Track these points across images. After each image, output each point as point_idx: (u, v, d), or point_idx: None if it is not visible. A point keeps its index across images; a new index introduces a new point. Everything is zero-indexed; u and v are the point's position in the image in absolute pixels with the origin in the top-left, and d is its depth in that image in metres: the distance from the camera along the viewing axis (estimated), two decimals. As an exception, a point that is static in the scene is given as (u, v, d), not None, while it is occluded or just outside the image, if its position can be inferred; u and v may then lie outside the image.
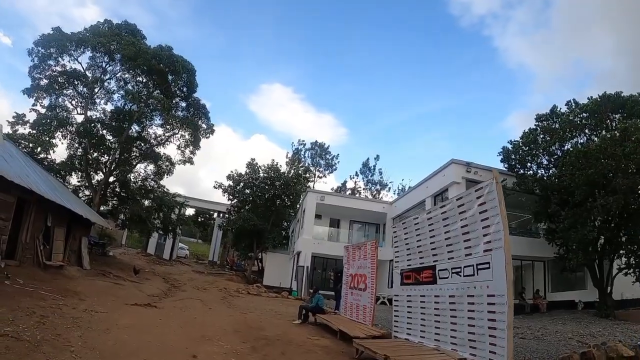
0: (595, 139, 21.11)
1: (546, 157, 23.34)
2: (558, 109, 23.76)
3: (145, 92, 29.43)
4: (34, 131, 26.93)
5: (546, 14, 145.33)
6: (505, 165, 24.42)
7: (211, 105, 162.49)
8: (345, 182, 61.72)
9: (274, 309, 18.43)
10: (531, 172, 23.57)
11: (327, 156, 61.38)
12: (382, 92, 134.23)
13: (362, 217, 35.42)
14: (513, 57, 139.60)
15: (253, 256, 40.10)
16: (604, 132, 21.26)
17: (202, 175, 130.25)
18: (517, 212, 25.42)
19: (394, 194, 57.36)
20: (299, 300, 24.66)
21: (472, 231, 8.06)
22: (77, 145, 28.91)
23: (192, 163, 33.12)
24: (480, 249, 7.75)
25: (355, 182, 60.62)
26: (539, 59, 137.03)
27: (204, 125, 32.71)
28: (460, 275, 8.32)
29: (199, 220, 68.00)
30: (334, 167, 61.67)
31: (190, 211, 51.85)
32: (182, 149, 32.49)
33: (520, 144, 23.85)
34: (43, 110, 27.87)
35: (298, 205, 39.26)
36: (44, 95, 27.86)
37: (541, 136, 23.29)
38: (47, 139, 27.20)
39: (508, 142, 24.42)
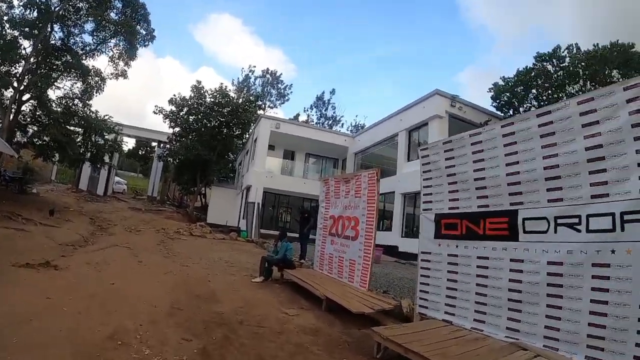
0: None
1: (535, 104, 20.91)
2: (561, 51, 20.63)
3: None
4: None
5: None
6: (494, 104, 22.05)
7: (157, 34, 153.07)
8: (297, 115, 57.82)
9: (224, 257, 14.72)
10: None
11: (280, 85, 57.06)
12: (335, 32, 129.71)
13: (319, 150, 32.08)
14: (475, 16, 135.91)
15: (196, 191, 36.35)
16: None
17: (148, 110, 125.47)
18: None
19: (347, 130, 54.50)
20: (250, 243, 21.38)
21: (611, 156, 4.59)
22: None
23: (125, 77, 27.41)
24: (629, 185, 4.36)
25: (309, 116, 57.31)
26: (499, 20, 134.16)
27: (142, 31, 26.73)
28: (577, 230, 4.83)
29: (140, 153, 64.69)
30: (287, 98, 57.58)
31: (130, 143, 46.76)
32: (116, 60, 26.82)
33: (514, 82, 21.32)
34: None
35: (247, 135, 35.73)
36: None
37: (537, 80, 20.71)
38: None
39: (500, 79, 21.99)
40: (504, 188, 5.87)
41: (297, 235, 17.02)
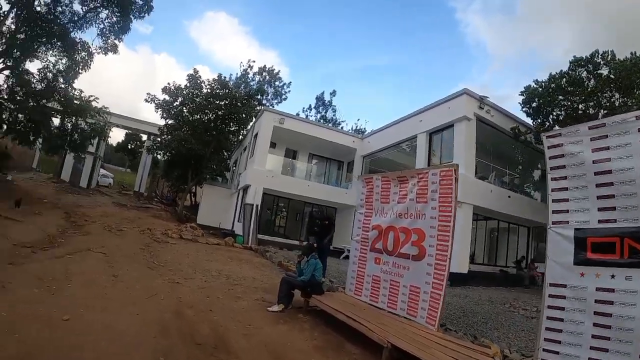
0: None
1: (563, 112, 18.28)
2: (599, 54, 17.69)
3: None
4: None
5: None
6: (524, 109, 19.28)
7: (153, 29, 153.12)
8: (297, 115, 54.18)
9: (223, 269, 11.90)
10: (548, 124, 18.48)
11: (277, 83, 53.92)
12: (332, 38, 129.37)
13: (324, 150, 29.18)
14: (473, 33, 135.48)
15: (187, 188, 33.39)
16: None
17: (142, 107, 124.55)
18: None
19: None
20: (248, 251, 18.67)
21: None
22: None
23: (115, 52, 23.90)
24: None
25: (307, 117, 53.78)
26: (496, 41, 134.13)
27: (139, 1, 22.91)
28: None
29: (129, 147, 62.81)
30: (284, 97, 54.46)
31: (119, 136, 43.93)
32: (106, 33, 23.18)
33: (546, 86, 18.56)
34: None
35: (245, 132, 33.05)
36: None
37: (567, 87, 17.98)
38: None
39: (534, 82, 19.14)
40: None
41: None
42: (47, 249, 10.68)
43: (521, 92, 19.07)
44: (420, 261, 7.12)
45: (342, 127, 52.60)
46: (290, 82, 57.36)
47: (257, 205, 22.49)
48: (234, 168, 35.46)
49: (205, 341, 5.49)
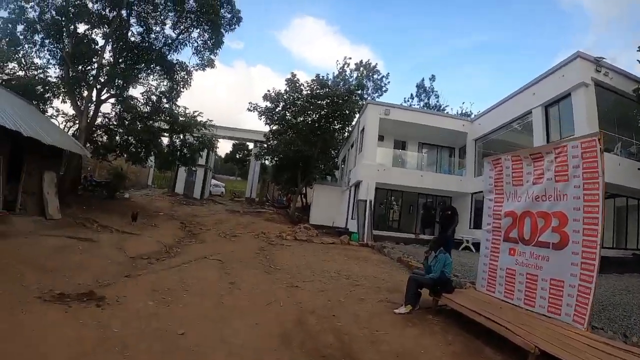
0: None
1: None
2: None
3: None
4: None
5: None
6: None
7: (244, 44, 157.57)
8: (400, 105, 53.17)
9: (341, 269, 11.42)
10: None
11: (375, 76, 53.07)
12: (421, 23, 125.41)
13: (434, 138, 27.78)
14: None
15: (297, 190, 33.72)
16: None
17: (244, 119, 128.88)
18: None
19: (456, 119, 49.36)
20: (365, 248, 18.06)
21: None
22: (49, 49, 21.71)
23: (212, 67, 25.08)
24: None
25: (410, 106, 51.02)
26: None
27: (227, 15, 23.75)
28: None
29: (237, 156, 66.00)
30: (384, 89, 53.41)
31: (227, 147, 45.87)
32: (201, 50, 24.42)
33: None
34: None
35: (349, 128, 32.57)
36: None
37: None
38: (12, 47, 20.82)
39: None
40: None
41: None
42: (163, 259, 10.97)
43: (640, 47, 17.04)
44: (563, 250, 6.17)
45: (447, 113, 51.09)
46: (389, 74, 56.14)
47: (370, 201, 22.04)
48: (343, 165, 35.24)
49: (330, 352, 5.06)
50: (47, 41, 21.08)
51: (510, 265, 7.36)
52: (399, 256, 14.55)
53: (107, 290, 6.83)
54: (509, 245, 7.52)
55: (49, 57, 21.96)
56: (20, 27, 20.63)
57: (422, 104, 52.82)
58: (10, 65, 21.43)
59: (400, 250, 16.58)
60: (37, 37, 21.06)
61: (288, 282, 9.10)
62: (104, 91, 22.26)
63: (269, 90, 32.24)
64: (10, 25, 20.36)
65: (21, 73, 21.81)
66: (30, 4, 20.30)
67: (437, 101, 53.34)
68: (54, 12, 20.26)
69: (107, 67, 21.51)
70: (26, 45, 21.28)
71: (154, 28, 23.57)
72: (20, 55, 21.38)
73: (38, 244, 10.10)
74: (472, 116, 33.76)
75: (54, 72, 22.85)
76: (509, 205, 7.72)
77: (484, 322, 5.95)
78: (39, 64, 22.41)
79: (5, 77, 20.82)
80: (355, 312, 7.01)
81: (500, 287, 7.57)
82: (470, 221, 23.10)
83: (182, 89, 24.72)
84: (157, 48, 23.25)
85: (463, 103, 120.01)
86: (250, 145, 50.69)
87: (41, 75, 22.32)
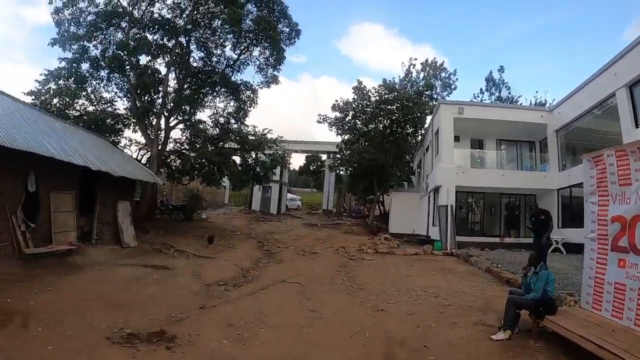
0: None
1: None
2: None
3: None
4: (64, 82, 21.46)
5: None
6: None
7: (306, 57, 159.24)
8: (470, 101, 51.54)
9: (428, 286, 10.77)
10: None
11: (443, 75, 51.68)
12: (478, 14, 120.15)
13: (511, 133, 26.16)
14: None
15: (374, 199, 32.95)
16: None
17: (314, 132, 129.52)
18: None
19: (529, 112, 47.02)
20: (449, 257, 17.33)
21: None
22: (115, 82, 22.81)
23: (277, 83, 25.32)
24: None
25: (482, 101, 49.97)
26: None
27: (285, 29, 24.07)
28: None
29: (311, 169, 66.24)
30: (453, 87, 51.90)
31: (300, 160, 46.17)
32: (263, 67, 24.70)
33: None
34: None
35: (423, 131, 31.52)
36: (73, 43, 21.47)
37: None
38: (79, 85, 21.60)
39: None
40: None
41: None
42: (240, 284, 10.85)
43: None
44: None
45: (521, 104, 48.80)
46: (456, 70, 54.41)
47: (451, 206, 21.29)
48: (419, 170, 34.43)
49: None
50: (112, 75, 22.03)
51: (620, 279, 6.38)
52: (487, 266, 13.64)
53: (180, 327, 6.66)
54: (618, 255, 6.50)
55: (116, 90, 23.06)
56: (85, 65, 21.61)
57: (493, 98, 50.58)
58: (80, 102, 22.19)
59: (487, 258, 15.58)
60: (102, 73, 22.09)
61: (373, 305, 8.67)
62: (172, 118, 22.98)
63: (336, 100, 32.06)
64: (75, 65, 21.25)
65: (91, 108, 22.69)
66: (93, 42, 21.42)
67: (509, 93, 50.79)
68: (115, 48, 21.10)
69: (173, 94, 22.22)
70: (93, 82, 22.35)
71: (214, 51, 24.22)
72: (88, 91, 22.35)
73: (112, 276, 10.35)
74: (549, 105, 31.92)
75: (122, 104, 23.94)
76: (615, 209, 6.65)
77: (595, 350, 5.20)
78: (107, 97, 23.49)
79: (76, 114, 21.66)
80: (449, 341, 6.48)
81: (607, 305, 6.59)
82: (559, 220, 21.25)
83: (249, 108, 25.35)
84: (219, 70, 23.77)
85: (537, 92, 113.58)
86: (324, 157, 50.88)
87: (110, 109, 23.31)
